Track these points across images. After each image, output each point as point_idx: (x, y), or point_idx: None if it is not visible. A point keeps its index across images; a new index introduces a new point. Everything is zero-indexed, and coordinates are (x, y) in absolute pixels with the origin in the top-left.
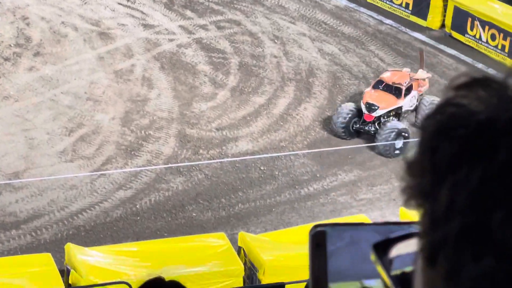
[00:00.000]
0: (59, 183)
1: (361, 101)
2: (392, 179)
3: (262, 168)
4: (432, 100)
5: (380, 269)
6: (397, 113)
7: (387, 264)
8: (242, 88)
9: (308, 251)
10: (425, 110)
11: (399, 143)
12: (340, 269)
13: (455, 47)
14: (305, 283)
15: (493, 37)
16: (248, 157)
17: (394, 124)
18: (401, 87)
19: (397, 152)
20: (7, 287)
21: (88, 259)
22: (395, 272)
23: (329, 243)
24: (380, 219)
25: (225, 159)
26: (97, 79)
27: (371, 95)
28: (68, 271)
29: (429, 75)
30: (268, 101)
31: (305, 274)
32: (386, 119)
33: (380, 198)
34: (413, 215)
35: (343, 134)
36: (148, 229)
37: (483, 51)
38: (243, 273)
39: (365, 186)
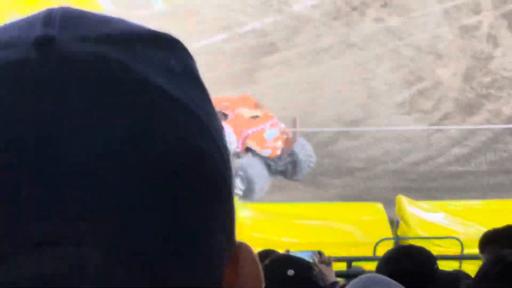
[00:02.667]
0: (394, 135)
1: None
2: None
3: None
4: (243, 166)
5: None
6: None
7: None
8: None
9: None
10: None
11: None
12: None
13: None
14: None
15: None
16: None
17: None
18: None
19: None
20: (338, 233)
21: (418, 212)
22: None
23: None
24: None
25: None
26: (441, 33)
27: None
28: (397, 223)
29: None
30: None
31: None
32: None
33: None
34: None
35: None
36: (481, 187)
37: None
38: None
39: None
